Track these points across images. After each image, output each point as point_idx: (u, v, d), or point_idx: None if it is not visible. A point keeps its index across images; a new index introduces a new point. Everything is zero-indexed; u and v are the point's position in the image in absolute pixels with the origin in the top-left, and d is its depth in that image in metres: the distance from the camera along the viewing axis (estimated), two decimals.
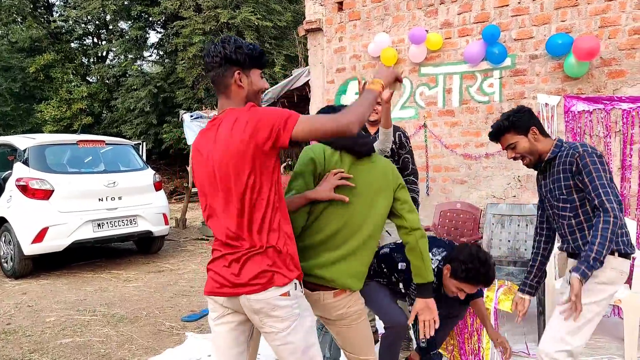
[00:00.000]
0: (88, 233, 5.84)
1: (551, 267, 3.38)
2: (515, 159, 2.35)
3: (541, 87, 4.36)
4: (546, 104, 4.19)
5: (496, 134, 2.35)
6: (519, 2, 4.46)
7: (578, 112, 4.16)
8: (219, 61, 1.70)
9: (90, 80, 18.46)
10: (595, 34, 4.10)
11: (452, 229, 4.50)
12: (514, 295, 3.00)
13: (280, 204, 1.71)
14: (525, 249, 3.95)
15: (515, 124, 2.29)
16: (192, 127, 8.37)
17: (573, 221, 2.24)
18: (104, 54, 18.83)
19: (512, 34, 4.49)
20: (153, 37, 18.90)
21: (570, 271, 2.06)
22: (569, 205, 2.23)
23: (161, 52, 17.87)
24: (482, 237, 4.20)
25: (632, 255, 2.21)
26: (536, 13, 4.38)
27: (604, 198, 2.06)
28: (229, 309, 1.78)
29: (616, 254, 2.15)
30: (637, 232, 3.68)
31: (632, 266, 3.38)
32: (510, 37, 4.49)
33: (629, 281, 3.48)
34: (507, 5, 4.51)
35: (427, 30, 4.87)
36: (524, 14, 4.44)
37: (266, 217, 1.65)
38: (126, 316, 4.34)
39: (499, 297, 2.96)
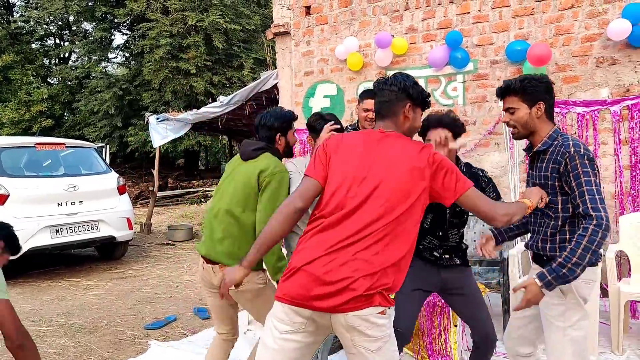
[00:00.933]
0: (45, 239, 5.64)
1: (515, 265, 3.48)
2: (508, 124, 2.19)
3: None
4: None
5: (503, 92, 2.17)
6: (479, 10, 4.59)
7: None
8: (396, 90, 1.86)
9: (52, 82, 17.90)
10: (550, 41, 4.26)
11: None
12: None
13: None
14: None
15: (526, 90, 2.09)
16: (159, 129, 8.21)
17: (552, 223, 2.09)
18: (67, 55, 18.30)
19: (474, 40, 4.61)
20: (118, 38, 18.50)
21: (535, 277, 1.96)
22: (552, 206, 2.08)
23: (127, 54, 17.51)
24: None
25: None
26: (495, 21, 4.52)
27: (589, 205, 1.90)
28: (309, 324, 1.67)
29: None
30: None
31: None
32: (472, 43, 4.62)
33: None
34: (468, 13, 4.64)
35: (392, 35, 4.95)
36: (484, 22, 4.57)
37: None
38: (85, 326, 4.20)
39: None
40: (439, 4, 4.77)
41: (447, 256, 2.50)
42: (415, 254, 2.32)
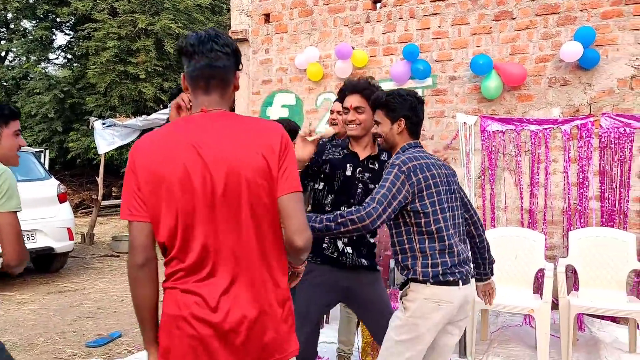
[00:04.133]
0: None
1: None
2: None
3: (460, 106, 4.59)
4: (465, 123, 4.41)
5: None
6: (439, 26, 4.68)
7: (493, 131, 4.42)
8: (230, 52, 1.44)
9: None
10: (507, 60, 4.41)
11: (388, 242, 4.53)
12: None
13: None
14: None
15: (389, 105, 2.13)
16: (104, 135, 7.81)
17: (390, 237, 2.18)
18: (3, 54, 17.18)
19: (434, 55, 4.69)
20: (60, 39, 17.57)
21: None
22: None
23: (69, 56, 16.64)
24: None
25: (463, 281, 2.03)
26: (455, 37, 4.62)
27: (375, 196, 1.95)
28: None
29: (428, 282, 1.98)
30: (545, 246, 3.94)
31: (542, 277, 3.61)
32: (432, 58, 4.70)
33: (539, 292, 3.72)
34: (428, 29, 4.72)
35: (353, 47, 4.95)
36: (444, 38, 4.67)
37: None
38: (19, 343, 3.84)
39: None
40: (399, 19, 4.83)
41: (348, 248, 2.36)
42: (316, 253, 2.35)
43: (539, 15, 4.30)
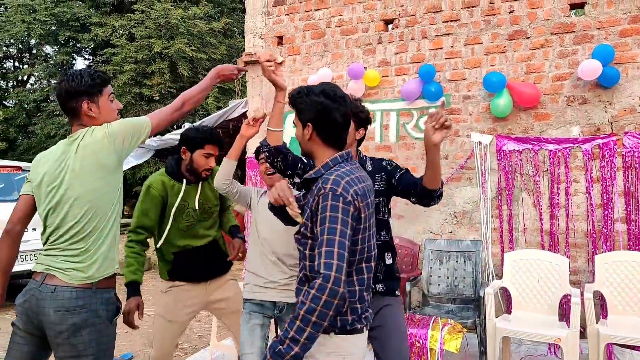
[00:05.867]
0: None
1: (491, 304, 3.36)
2: None
3: (474, 126, 4.50)
4: (480, 142, 4.31)
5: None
6: (451, 46, 4.63)
7: (509, 151, 4.30)
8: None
9: (7, 105, 17.17)
10: (522, 79, 4.32)
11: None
12: (458, 334, 2.92)
13: None
14: (464, 286, 3.94)
15: (295, 105, 1.77)
16: None
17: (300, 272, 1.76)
18: (25, 78, 17.68)
19: (447, 75, 4.63)
20: (80, 63, 18.03)
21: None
22: (301, 250, 1.72)
23: None
24: (421, 274, 4.15)
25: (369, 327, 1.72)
26: (468, 57, 4.56)
27: (322, 260, 1.51)
28: None
29: (332, 332, 1.63)
30: (569, 270, 3.77)
31: (568, 303, 3.44)
32: (445, 78, 4.63)
33: (565, 319, 3.54)
34: (441, 48, 4.67)
35: (365, 67, 4.92)
36: (457, 57, 4.61)
37: None
38: None
39: (443, 336, 2.86)
40: (412, 39, 4.79)
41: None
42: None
43: (554, 34, 4.22)
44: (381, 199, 2.24)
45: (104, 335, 1.87)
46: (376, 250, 1.79)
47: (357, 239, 1.64)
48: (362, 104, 2.31)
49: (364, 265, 1.68)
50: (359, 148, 2.35)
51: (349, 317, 1.64)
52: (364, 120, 2.28)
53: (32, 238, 5.58)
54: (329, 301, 1.47)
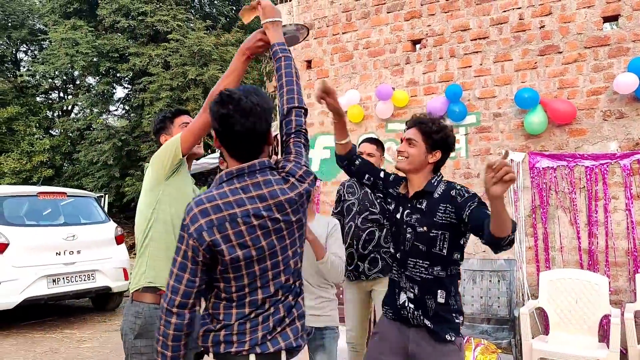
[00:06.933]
0: (42, 289, 5.48)
1: (526, 324, 3.28)
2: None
3: (506, 143, 4.45)
4: (512, 160, 4.25)
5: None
6: (480, 64, 4.62)
7: (543, 168, 4.22)
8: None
9: (54, 134, 18.09)
10: (555, 94, 4.26)
11: None
12: (492, 355, 2.86)
13: None
14: (499, 306, 3.85)
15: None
16: None
17: None
18: (69, 107, 18.60)
19: (476, 93, 4.62)
20: (120, 92, 18.84)
21: None
22: None
23: (127, 107, 17.78)
24: None
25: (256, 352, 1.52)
26: (497, 74, 4.54)
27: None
28: None
29: (211, 354, 1.56)
30: (609, 290, 3.64)
31: (609, 324, 3.32)
32: (475, 96, 4.62)
33: (605, 340, 3.41)
34: (470, 67, 4.67)
35: (393, 88, 4.96)
36: (486, 75, 4.59)
37: None
38: None
39: (476, 357, 2.81)
40: (440, 58, 4.82)
41: (411, 304, 2.07)
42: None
43: (588, 47, 4.15)
44: (440, 233, 2.05)
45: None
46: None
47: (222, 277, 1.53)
48: (445, 126, 2.15)
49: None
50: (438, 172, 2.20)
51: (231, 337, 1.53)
52: (438, 142, 2.12)
53: (78, 260, 5.80)
54: (166, 323, 1.50)
